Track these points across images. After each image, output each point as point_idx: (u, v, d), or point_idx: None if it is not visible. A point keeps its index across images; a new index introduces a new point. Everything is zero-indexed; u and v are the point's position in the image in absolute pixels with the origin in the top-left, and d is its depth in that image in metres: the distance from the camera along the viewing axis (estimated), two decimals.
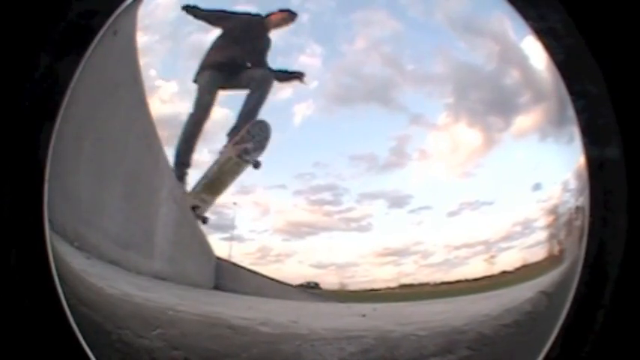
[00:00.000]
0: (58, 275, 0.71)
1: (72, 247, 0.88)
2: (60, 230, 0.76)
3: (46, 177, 0.72)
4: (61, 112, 0.73)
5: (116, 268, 1.08)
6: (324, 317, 1.15)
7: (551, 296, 1.08)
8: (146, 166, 1.27)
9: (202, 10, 1.40)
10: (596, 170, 0.77)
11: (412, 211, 1.36)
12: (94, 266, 0.97)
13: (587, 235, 0.77)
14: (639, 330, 0.74)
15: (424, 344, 1.06)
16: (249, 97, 1.42)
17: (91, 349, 0.68)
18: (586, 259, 0.76)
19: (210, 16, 1.43)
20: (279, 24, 1.41)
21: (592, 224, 0.77)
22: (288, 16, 1.40)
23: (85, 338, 0.68)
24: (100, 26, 0.75)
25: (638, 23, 0.72)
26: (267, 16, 1.42)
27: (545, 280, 1.11)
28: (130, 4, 0.80)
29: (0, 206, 0.70)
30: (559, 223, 1.18)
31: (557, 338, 0.77)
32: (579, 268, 0.77)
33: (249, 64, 1.47)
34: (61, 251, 0.74)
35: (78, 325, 0.68)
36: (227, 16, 1.44)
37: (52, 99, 0.73)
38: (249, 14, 1.45)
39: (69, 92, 0.73)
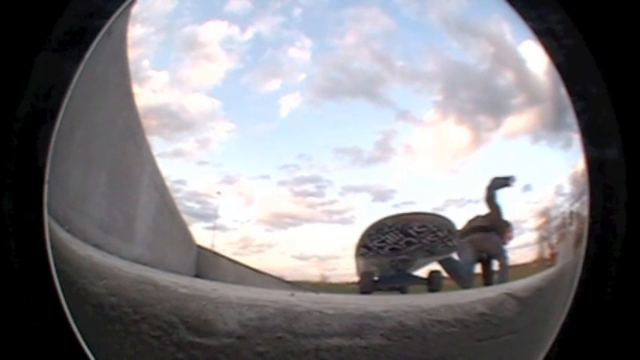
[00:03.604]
0: (52, 247, 0.74)
1: (63, 229, 0.97)
2: (53, 214, 0.79)
3: (46, 177, 0.71)
4: (61, 112, 0.73)
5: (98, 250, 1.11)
6: (245, 291, 1.16)
7: (522, 301, 1.08)
8: (129, 154, 1.28)
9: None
10: (596, 171, 0.77)
11: (396, 206, 1.37)
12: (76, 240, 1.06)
13: (587, 235, 0.77)
14: (639, 330, 0.74)
15: (327, 322, 1.06)
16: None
17: (65, 296, 0.73)
18: (586, 259, 0.77)
19: None
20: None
21: (592, 224, 0.77)
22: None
23: (61, 287, 0.74)
24: (100, 27, 0.75)
25: (638, 23, 0.72)
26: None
27: (521, 284, 1.12)
28: (128, 5, 0.80)
29: (0, 207, 0.70)
30: (550, 227, 1.18)
31: (557, 338, 0.77)
32: (579, 268, 0.77)
33: None
34: (53, 229, 0.79)
35: (58, 277, 0.74)
36: None
37: (52, 99, 0.72)
38: None
39: (69, 92, 0.73)
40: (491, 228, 1.37)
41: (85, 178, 1.10)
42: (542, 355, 0.77)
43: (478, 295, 1.13)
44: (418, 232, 1.38)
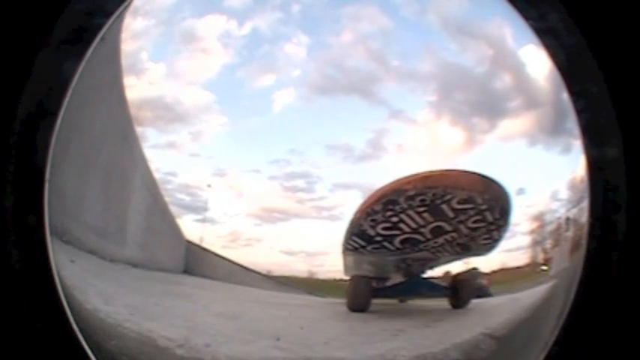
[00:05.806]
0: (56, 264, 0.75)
1: (61, 241, 0.95)
2: (51, 224, 0.79)
3: (46, 177, 0.71)
4: (62, 112, 0.72)
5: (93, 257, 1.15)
6: (238, 346, 1.20)
7: (499, 340, 1.00)
8: (122, 158, 1.27)
9: None
10: (596, 170, 0.77)
11: None
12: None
13: (587, 235, 0.77)
14: (639, 330, 0.74)
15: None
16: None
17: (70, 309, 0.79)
18: (586, 260, 0.77)
19: None
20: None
21: (592, 224, 0.77)
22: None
23: (67, 300, 0.79)
24: (100, 26, 0.75)
25: (638, 23, 0.72)
26: None
27: (501, 319, 1.08)
28: (128, 5, 0.80)
29: (0, 207, 0.70)
30: (544, 231, 1.17)
31: (557, 338, 0.77)
32: (579, 269, 0.77)
33: None
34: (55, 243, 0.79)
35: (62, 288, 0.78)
36: None
37: (52, 99, 0.72)
38: None
39: (69, 92, 0.73)
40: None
41: (79, 183, 1.10)
42: (543, 355, 0.77)
43: (455, 339, 1.01)
44: (457, 211, 1.00)
